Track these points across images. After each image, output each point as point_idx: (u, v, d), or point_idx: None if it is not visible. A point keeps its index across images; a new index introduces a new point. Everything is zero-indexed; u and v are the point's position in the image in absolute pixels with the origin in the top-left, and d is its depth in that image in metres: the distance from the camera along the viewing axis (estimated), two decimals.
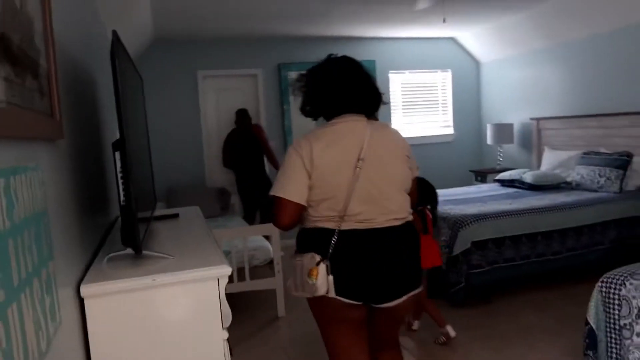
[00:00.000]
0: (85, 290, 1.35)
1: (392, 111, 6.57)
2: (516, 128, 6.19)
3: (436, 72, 6.80)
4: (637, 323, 2.12)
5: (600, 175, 4.51)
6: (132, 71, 2.00)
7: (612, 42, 4.83)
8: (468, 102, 6.91)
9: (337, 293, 1.75)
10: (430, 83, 6.85)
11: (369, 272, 1.76)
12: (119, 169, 1.48)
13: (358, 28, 5.73)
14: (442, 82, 6.87)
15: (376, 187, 1.77)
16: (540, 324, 3.40)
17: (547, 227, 3.91)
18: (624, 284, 2.21)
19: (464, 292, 3.69)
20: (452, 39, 6.75)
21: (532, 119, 5.91)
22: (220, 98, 6.03)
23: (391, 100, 6.51)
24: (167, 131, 5.71)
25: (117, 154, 1.48)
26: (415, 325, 3.42)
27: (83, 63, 1.99)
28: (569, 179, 4.91)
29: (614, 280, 2.26)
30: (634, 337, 2.12)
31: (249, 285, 3.74)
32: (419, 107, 6.81)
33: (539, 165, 5.67)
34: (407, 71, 6.64)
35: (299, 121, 5.98)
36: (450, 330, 3.17)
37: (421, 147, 6.44)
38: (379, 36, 6.29)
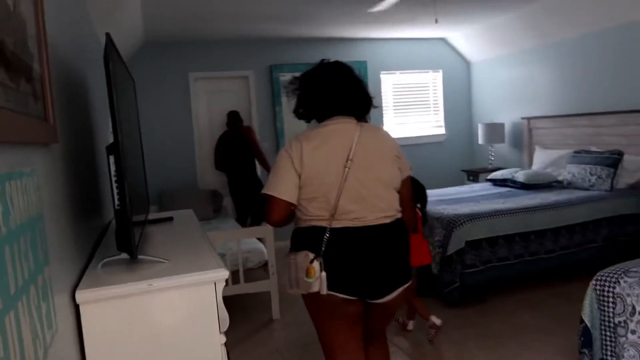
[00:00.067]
0: (80, 296, 1.33)
1: (383, 112, 6.58)
2: (507, 127, 6.23)
3: (427, 72, 6.83)
4: (631, 321, 2.13)
5: (591, 174, 4.55)
6: (125, 74, 1.98)
7: (601, 41, 4.88)
8: (459, 102, 6.94)
9: (331, 289, 1.80)
10: (422, 83, 6.87)
11: (360, 268, 1.82)
12: (113, 173, 1.47)
13: (349, 29, 5.72)
14: (433, 82, 6.90)
15: (365, 187, 1.83)
16: (534, 322, 3.41)
17: (539, 225, 3.93)
18: (618, 281, 2.22)
19: (458, 292, 3.70)
20: (443, 40, 6.78)
21: (523, 118, 5.95)
22: (212, 100, 6.00)
23: (383, 101, 6.53)
24: (159, 134, 5.67)
25: (112, 158, 1.46)
26: (410, 325, 3.42)
27: (75, 66, 1.97)
28: (560, 178, 4.94)
29: (608, 278, 2.27)
30: (629, 335, 2.14)
31: (244, 287, 3.72)
32: (410, 108, 6.82)
33: (530, 165, 5.70)
34: (398, 72, 6.66)
35: (290, 123, 5.97)
36: (435, 319, 3.20)
37: (413, 147, 6.45)
38: (370, 37, 6.29)
